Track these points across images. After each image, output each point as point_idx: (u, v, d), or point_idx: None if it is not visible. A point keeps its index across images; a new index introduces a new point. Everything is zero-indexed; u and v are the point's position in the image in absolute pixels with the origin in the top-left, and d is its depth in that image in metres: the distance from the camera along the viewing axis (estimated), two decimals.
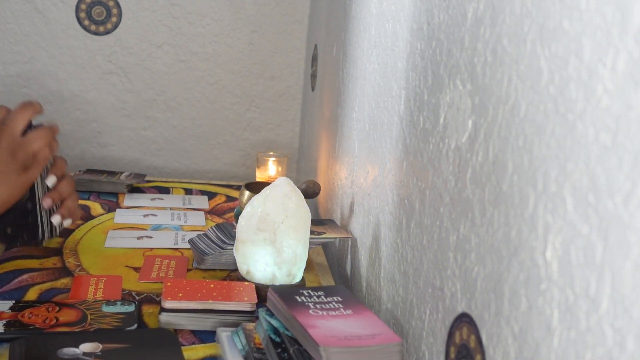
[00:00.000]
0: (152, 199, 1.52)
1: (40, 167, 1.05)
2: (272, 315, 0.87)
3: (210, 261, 1.13)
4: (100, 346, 0.82)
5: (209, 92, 1.88)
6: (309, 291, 0.89)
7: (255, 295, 0.96)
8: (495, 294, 0.62)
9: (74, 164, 1.76)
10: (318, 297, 0.88)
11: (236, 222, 1.10)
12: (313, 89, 1.73)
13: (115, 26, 1.79)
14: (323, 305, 0.85)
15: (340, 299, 0.88)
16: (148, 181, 1.65)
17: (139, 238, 1.27)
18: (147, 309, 0.98)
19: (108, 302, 0.97)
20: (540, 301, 0.54)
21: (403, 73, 0.93)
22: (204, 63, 1.86)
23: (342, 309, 0.85)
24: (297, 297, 0.86)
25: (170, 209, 1.46)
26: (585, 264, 0.48)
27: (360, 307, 0.86)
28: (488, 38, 0.65)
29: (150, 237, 1.28)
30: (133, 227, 1.32)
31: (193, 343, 0.89)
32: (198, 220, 1.40)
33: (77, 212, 1.13)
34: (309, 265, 1.18)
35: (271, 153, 1.67)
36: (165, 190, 1.60)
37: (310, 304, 0.85)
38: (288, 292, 0.88)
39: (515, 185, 0.59)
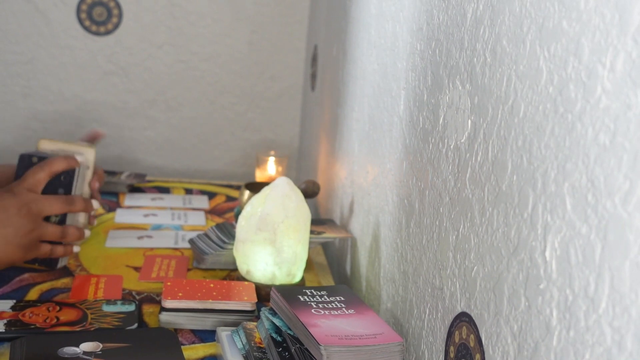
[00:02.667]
0: (152, 199, 1.52)
1: (40, 255, 1.05)
2: (274, 314, 0.87)
3: (210, 261, 1.13)
4: (101, 345, 0.82)
5: (209, 92, 1.88)
6: (312, 290, 0.89)
7: (255, 295, 0.96)
8: (495, 293, 0.62)
9: None
10: (321, 296, 0.88)
11: (236, 222, 1.10)
12: (313, 89, 1.73)
13: (116, 27, 1.80)
14: (325, 305, 0.85)
15: (342, 299, 0.88)
16: (148, 181, 1.65)
17: (139, 238, 1.27)
18: (147, 309, 0.98)
19: (108, 302, 0.97)
20: (540, 300, 0.54)
21: (403, 73, 0.93)
22: (204, 63, 1.86)
23: (344, 309, 0.85)
24: (300, 297, 0.87)
25: (171, 208, 1.46)
26: (584, 263, 0.48)
27: (363, 306, 0.86)
28: (487, 38, 0.65)
29: (151, 237, 1.28)
30: (133, 227, 1.33)
31: (193, 342, 0.90)
32: (198, 220, 1.40)
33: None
34: (309, 265, 1.18)
35: (271, 153, 1.67)
36: (165, 190, 1.60)
37: (312, 303, 0.85)
38: (291, 291, 0.88)
39: (515, 185, 0.59)
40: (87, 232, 1.11)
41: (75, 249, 1.11)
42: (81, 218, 1.11)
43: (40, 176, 1.04)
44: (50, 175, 1.05)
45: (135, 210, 1.43)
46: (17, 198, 1.00)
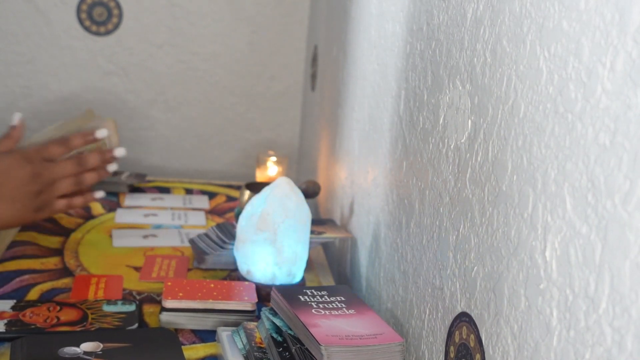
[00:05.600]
0: (152, 199, 1.52)
1: (56, 212, 1.10)
2: (275, 314, 0.87)
3: (210, 261, 1.13)
4: (101, 345, 0.82)
5: (210, 92, 1.88)
6: (312, 290, 0.89)
7: (256, 295, 0.97)
8: (495, 293, 0.62)
9: None
10: (321, 296, 0.88)
11: (236, 222, 1.10)
12: (313, 89, 1.73)
13: (116, 27, 1.80)
14: (326, 305, 0.85)
15: (343, 299, 0.88)
16: (149, 181, 1.65)
17: (144, 237, 1.27)
18: (147, 309, 0.98)
19: (109, 302, 0.97)
20: (540, 301, 0.54)
21: (403, 73, 0.93)
22: (204, 63, 1.86)
23: (344, 309, 0.85)
24: (300, 297, 0.87)
25: (171, 208, 1.46)
26: (584, 263, 0.48)
27: (363, 307, 0.86)
28: (487, 38, 0.66)
29: (156, 236, 1.28)
30: (136, 227, 1.33)
31: (193, 342, 0.90)
32: (198, 220, 1.40)
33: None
34: (309, 265, 1.18)
35: (271, 153, 1.67)
36: (165, 190, 1.60)
37: (313, 304, 0.85)
38: (291, 291, 0.88)
39: (515, 185, 0.59)
40: (100, 193, 1.15)
41: (98, 194, 1.14)
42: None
43: (58, 150, 1.09)
44: (68, 151, 1.10)
45: (135, 210, 1.43)
46: (31, 165, 1.05)
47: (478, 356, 0.64)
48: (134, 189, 1.57)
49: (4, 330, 0.87)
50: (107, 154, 1.15)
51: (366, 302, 1.07)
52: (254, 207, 1.03)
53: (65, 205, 1.11)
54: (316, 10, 1.77)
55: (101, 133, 1.13)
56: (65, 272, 1.09)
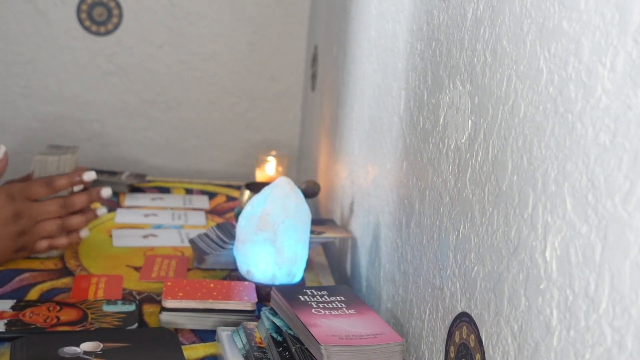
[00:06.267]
0: (152, 199, 1.52)
1: (33, 252, 1.09)
2: (275, 314, 0.87)
3: (210, 261, 1.13)
4: (101, 345, 0.82)
5: (210, 92, 1.88)
6: (312, 290, 0.89)
7: (256, 295, 0.97)
8: (495, 293, 0.62)
9: None
10: (321, 296, 0.88)
11: (236, 222, 1.10)
12: (313, 89, 1.73)
13: (116, 27, 1.80)
14: (326, 305, 0.85)
15: (343, 299, 0.88)
16: (149, 181, 1.65)
17: (144, 237, 1.27)
18: (147, 309, 0.98)
19: (109, 302, 0.97)
20: (540, 301, 0.54)
21: (403, 73, 0.93)
22: (204, 63, 1.86)
23: (344, 309, 0.85)
24: (300, 296, 0.87)
25: (171, 208, 1.46)
26: (584, 263, 0.48)
27: (363, 306, 0.86)
28: (487, 38, 0.66)
29: (156, 236, 1.28)
30: (136, 227, 1.33)
31: (193, 342, 0.90)
32: (198, 220, 1.40)
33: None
34: (309, 265, 1.18)
35: (271, 153, 1.67)
36: (165, 190, 1.60)
37: (313, 303, 0.85)
38: (291, 291, 0.88)
39: (515, 185, 0.59)
40: (84, 232, 1.13)
41: (83, 233, 1.12)
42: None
43: (42, 190, 1.07)
44: (52, 192, 1.08)
45: (135, 210, 1.43)
46: (14, 205, 1.04)
47: (478, 356, 0.64)
48: (134, 189, 1.57)
49: (4, 330, 0.87)
50: (94, 195, 1.12)
51: (366, 302, 1.07)
52: (254, 207, 1.03)
53: (48, 246, 1.09)
54: (316, 10, 1.77)
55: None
56: (65, 272, 1.09)
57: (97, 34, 1.79)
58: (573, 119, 0.51)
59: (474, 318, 0.66)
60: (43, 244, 1.08)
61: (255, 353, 0.80)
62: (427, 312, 0.79)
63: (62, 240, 1.09)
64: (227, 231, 1.17)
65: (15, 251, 1.06)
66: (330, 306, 0.85)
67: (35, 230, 1.07)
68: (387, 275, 0.98)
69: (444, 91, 0.77)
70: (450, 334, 0.72)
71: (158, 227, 1.34)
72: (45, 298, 0.99)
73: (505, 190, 0.61)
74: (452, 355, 0.71)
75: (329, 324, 0.80)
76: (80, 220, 1.11)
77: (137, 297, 1.02)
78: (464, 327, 0.68)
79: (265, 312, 0.88)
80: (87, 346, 0.82)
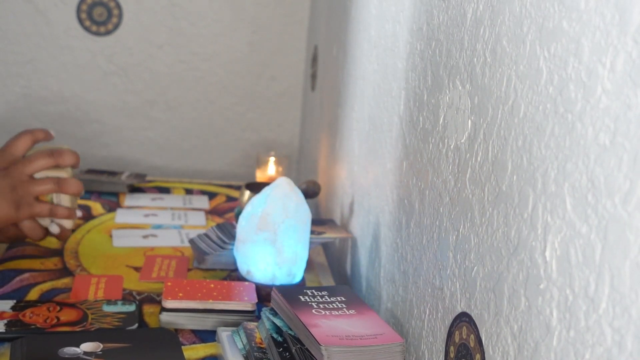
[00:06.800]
0: (152, 199, 1.52)
1: (38, 213, 1.08)
2: (275, 314, 0.87)
3: (210, 261, 1.13)
4: (101, 346, 0.82)
5: (210, 92, 1.88)
6: (313, 291, 0.89)
7: (256, 295, 0.97)
8: (495, 293, 0.62)
9: None
10: (322, 296, 0.88)
11: (236, 222, 1.10)
12: (313, 89, 1.73)
13: (116, 27, 1.80)
14: (326, 305, 0.85)
15: (343, 299, 0.88)
16: (149, 181, 1.65)
17: (144, 237, 1.27)
18: (147, 309, 0.98)
19: (109, 302, 0.97)
20: (540, 301, 0.54)
21: (403, 73, 0.93)
22: (204, 63, 1.86)
23: (345, 309, 0.85)
24: (301, 297, 0.87)
25: (171, 208, 1.46)
26: (584, 263, 0.48)
27: (364, 307, 0.86)
28: (487, 38, 0.66)
29: (156, 236, 1.28)
30: (136, 227, 1.33)
31: (193, 342, 0.90)
32: (198, 220, 1.40)
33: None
34: (309, 265, 1.18)
35: (271, 153, 1.67)
36: (165, 190, 1.60)
37: (313, 304, 0.85)
38: (292, 292, 0.88)
39: (515, 185, 0.59)
40: (79, 212, 1.13)
41: (67, 223, 1.12)
42: (66, 202, 1.11)
43: (22, 140, 1.08)
44: (32, 142, 1.09)
45: (135, 211, 1.43)
46: None
47: (478, 356, 0.64)
48: (134, 189, 1.58)
49: (4, 330, 0.87)
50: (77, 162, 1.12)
51: (366, 302, 1.07)
52: (254, 207, 1.03)
53: (48, 209, 1.08)
54: (316, 10, 1.77)
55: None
56: (65, 272, 1.09)
57: (97, 34, 1.79)
58: (573, 119, 0.51)
59: (474, 318, 0.66)
60: (44, 206, 1.07)
61: (255, 353, 0.80)
62: (427, 312, 0.79)
63: (63, 210, 1.09)
64: (227, 231, 1.17)
65: (15, 207, 1.04)
66: (331, 306, 0.85)
67: (28, 184, 1.06)
68: (387, 275, 0.98)
69: (444, 91, 0.77)
70: (450, 334, 0.72)
71: (158, 227, 1.34)
72: (45, 298, 0.99)
73: (505, 190, 0.61)
74: (452, 355, 0.71)
75: (329, 325, 0.80)
76: (66, 213, 1.09)
77: (137, 298, 1.02)
78: (464, 327, 0.68)
79: (265, 313, 0.88)
80: (87, 346, 0.82)
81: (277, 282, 1.03)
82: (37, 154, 1.08)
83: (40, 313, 0.92)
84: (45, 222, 1.11)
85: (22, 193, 1.05)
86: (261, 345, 0.82)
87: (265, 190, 1.04)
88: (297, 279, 1.06)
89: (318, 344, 0.74)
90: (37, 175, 1.08)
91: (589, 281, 0.48)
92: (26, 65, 1.78)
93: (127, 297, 1.02)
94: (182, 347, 0.86)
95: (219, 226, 1.19)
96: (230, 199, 1.58)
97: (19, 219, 1.07)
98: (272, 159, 1.64)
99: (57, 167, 1.10)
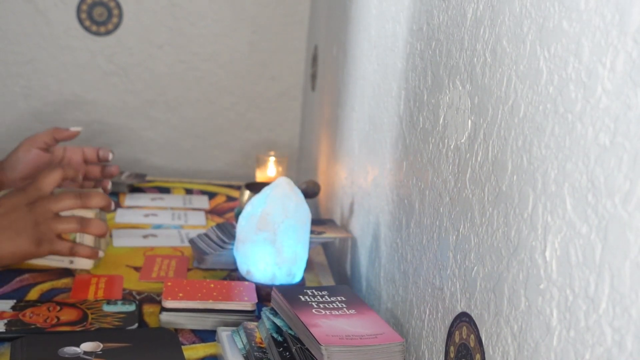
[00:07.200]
0: (152, 199, 1.52)
1: (58, 251, 1.06)
2: (275, 314, 0.87)
3: (210, 261, 1.13)
4: (101, 345, 0.82)
5: (210, 92, 1.88)
6: (313, 290, 0.89)
7: (256, 295, 0.97)
8: (495, 293, 0.62)
9: None
10: (322, 296, 0.88)
11: (236, 222, 1.10)
12: (313, 89, 1.73)
13: (116, 27, 1.80)
14: (326, 305, 0.85)
15: (343, 299, 0.88)
16: (149, 181, 1.65)
17: (144, 237, 1.27)
18: (147, 309, 0.98)
19: (109, 302, 0.97)
20: (540, 301, 0.54)
21: (403, 73, 0.93)
22: (204, 63, 1.86)
23: (345, 309, 0.85)
24: (301, 297, 0.87)
25: (171, 208, 1.46)
26: (584, 263, 0.48)
27: (364, 307, 0.86)
28: (487, 38, 0.66)
29: (156, 236, 1.28)
30: (136, 227, 1.33)
31: (193, 342, 0.90)
32: (198, 220, 1.40)
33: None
34: (309, 265, 1.18)
35: (271, 153, 1.67)
36: (165, 190, 1.60)
37: (313, 303, 0.85)
38: (292, 291, 0.88)
39: (515, 185, 0.59)
40: (101, 253, 1.11)
41: (86, 264, 1.10)
42: (89, 241, 1.10)
43: (52, 177, 1.06)
44: (62, 178, 1.08)
45: (135, 210, 1.43)
46: (24, 193, 1.04)
47: (478, 356, 0.64)
48: (134, 189, 1.58)
49: (4, 330, 0.87)
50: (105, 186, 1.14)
51: (366, 302, 1.07)
52: (254, 207, 1.03)
53: (69, 248, 1.06)
54: (316, 10, 1.77)
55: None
56: (65, 272, 1.09)
57: (97, 34, 1.79)
58: (573, 119, 0.51)
59: (474, 318, 0.66)
60: (64, 244, 1.06)
61: (255, 353, 0.80)
62: (427, 312, 0.79)
63: (85, 249, 1.07)
64: (227, 231, 1.17)
65: (36, 243, 1.03)
66: (331, 306, 0.85)
67: (52, 221, 1.05)
68: (387, 275, 0.98)
69: (444, 91, 0.77)
70: (450, 334, 0.72)
71: (158, 227, 1.34)
72: (46, 298, 0.99)
73: (505, 190, 0.61)
74: (452, 355, 0.71)
75: (329, 324, 0.80)
76: (88, 252, 1.08)
77: (137, 297, 1.02)
78: (464, 327, 0.68)
79: (265, 312, 0.88)
80: (87, 346, 0.82)
81: (277, 282, 1.03)
82: (65, 194, 1.06)
83: (41, 313, 0.92)
84: (64, 259, 1.10)
85: (45, 230, 1.04)
86: (261, 345, 0.82)
87: (265, 190, 1.04)
88: (297, 279, 1.06)
89: (318, 343, 0.74)
90: (63, 214, 1.07)
91: (589, 281, 0.48)
92: (26, 65, 1.78)
93: (127, 297, 1.02)
94: (182, 347, 0.86)
95: (218, 226, 1.19)
96: (230, 199, 1.58)
97: (39, 255, 1.06)
98: (272, 159, 1.64)
99: (83, 206, 1.08)
